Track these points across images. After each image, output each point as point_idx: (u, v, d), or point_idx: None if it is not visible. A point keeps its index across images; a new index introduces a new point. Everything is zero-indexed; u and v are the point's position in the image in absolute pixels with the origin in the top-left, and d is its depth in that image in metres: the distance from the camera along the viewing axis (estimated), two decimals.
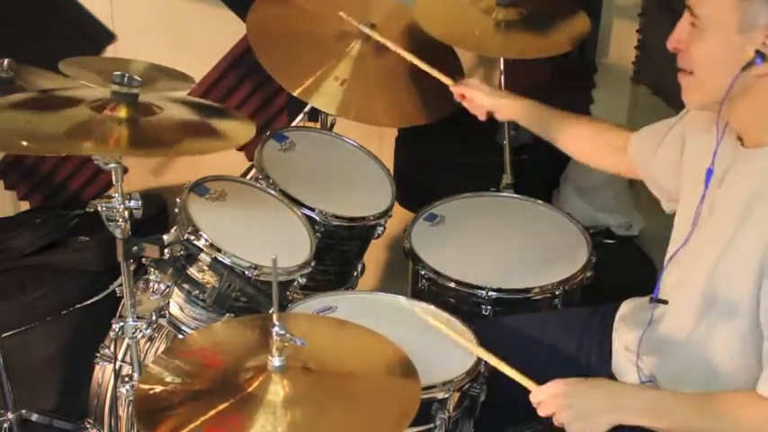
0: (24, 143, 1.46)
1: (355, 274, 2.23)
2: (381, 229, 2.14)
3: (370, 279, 2.74)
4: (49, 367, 2.42)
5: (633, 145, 1.80)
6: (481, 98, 2.00)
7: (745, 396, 1.40)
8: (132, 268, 1.67)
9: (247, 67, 2.79)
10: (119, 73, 1.58)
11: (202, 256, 1.77)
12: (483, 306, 1.94)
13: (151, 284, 1.82)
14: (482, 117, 2.03)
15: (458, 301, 1.96)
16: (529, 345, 1.81)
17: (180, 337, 1.87)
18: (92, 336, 2.06)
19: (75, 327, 2.42)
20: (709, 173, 1.48)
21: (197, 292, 1.83)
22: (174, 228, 1.89)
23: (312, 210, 2.01)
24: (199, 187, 1.94)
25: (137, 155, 1.66)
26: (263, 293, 1.76)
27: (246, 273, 1.79)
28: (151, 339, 1.93)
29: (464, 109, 2.07)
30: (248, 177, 2.13)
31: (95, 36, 2.76)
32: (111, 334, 1.73)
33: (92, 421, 2.05)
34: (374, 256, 2.72)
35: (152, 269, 1.80)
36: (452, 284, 1.97)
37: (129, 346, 1.80)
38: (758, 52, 1.35)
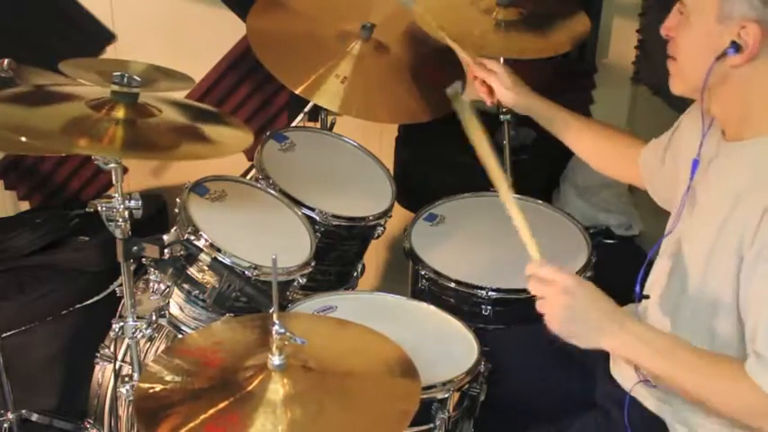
0: (23, 139, 1.45)
1: (355, 274, 2.22)
2: (381, 229, 2.14)
3: (370, 279, 2.74)
4: (49, 367, 2.42)
5: (643, 159, 1.81)
6: (501, 91, 1.96)
7: (739, 369, 1.37)
8: (132, 268, 1.67)
9: (247, 67, 2.79)
10: (119, 73, 1.59)
11: (202, 256, 1.77)
12: (483, 306, 1.94)
13: (151, 284, 1.82)
14: (489, 104, 2.00)
15: (458, 301, 1.96)
16: (528, 349, 1.81)
17: (180, 336, 1.87)
18: (92, 336, 2.06)
19: (75, 327, 2.42)
20: (695, 164, 1.51)
21: (197, 292, 1.83)
22: (174, 228, 1.89)
23: (312, 210, 2.01)
24: (199, 187, 1.94)
25: (129, 156, 1.65)
26: (263, 293, 1.76)
27: (246, 273, 1.79)
28: (151, 339, 1.93)
29: None
30: (248, 177, 2.13)
31: (95, 36, 2.76)
32: (111, 334, 1.73)
33: (92, 421, 2.05)
34: (374, 256, 2.72)
35: (152, 269, 1.80)
36: (452, 284, 1.96)
37: (129, 346, 1.80)
38: (733, 43, 1.38)
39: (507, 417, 1.75)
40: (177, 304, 1.87)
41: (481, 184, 2.35)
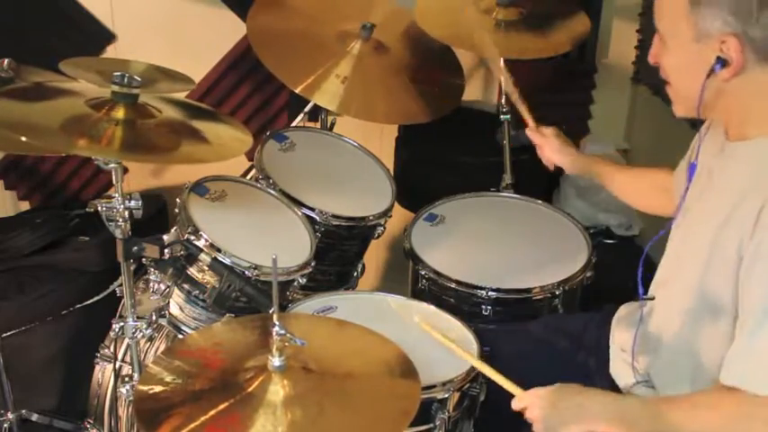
0: (23, 138, 1.45)
1: (355, 274, 2.23)
2: (381, 229, 2.14)
3: (370, 279, 2.74)
4: (49, 367, 2.42)
5: (674, 184, 1.80)
6: (549, 153, 1.99)
7: (714, 394, 1.38)
8: (132, 268, 1.67)
9: (247, 67, 2.79)
10: (119, 73, 1.59)
11: (202, 256, 1.77)
12: (483, 306, 1.94)
13: (151, 284, 1.82)
14: (550, 167, 2.03)
15: (458, 301, 1.96)
16: (528, 351, 1.81)
17: (180, 337, 1.87)
18: (92, 336, 2.06)
19: (75, 327, 2.42)
20: (692, 167, 1.52)
21: (197, 292, 1.83)
22: (174, 228, 1.89)
23: (312, 210, 2.01)
24: (199, 187, 1.94)
25: (128, 158, 1.65)
26: (263, 293, 1.76)
27: (246, 273, 1.79)
28: (151, 339, 1.93)
29: (464, 109, 2.07)
30: (248, 177, 2.13)
31: (95, 36, 2.76)
32: (111, 334, 1.73)
33: (92, 421, 2.05)
34: (374, 256, 2.72)
35: (152, 269, 1.80)
36: (452, 284, 1.97)
37: (129, 346, 1.80)
38: (718, 58, 1.38)
39: (507, 417, 1.75)
40: (177, 304, 1.87)
41: (481, 184, 2.37)
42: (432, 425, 1.60)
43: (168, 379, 1.37)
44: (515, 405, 1.50)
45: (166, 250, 1.68)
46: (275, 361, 1.31)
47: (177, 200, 1.89)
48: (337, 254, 2.10)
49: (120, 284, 1.70)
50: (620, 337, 1.71)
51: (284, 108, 2.86)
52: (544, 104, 2.84)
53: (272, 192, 2.03)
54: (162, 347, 1.94)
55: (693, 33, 1.39)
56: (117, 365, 1.92)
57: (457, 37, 2.33)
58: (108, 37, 2.77)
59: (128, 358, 1.86)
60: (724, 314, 1.42)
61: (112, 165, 1.58)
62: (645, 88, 2.76)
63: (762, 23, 1.34)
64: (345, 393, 1.36)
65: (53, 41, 2.68)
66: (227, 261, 1.78)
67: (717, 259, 1.43)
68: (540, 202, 2.30)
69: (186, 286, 1.84)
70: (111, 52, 2.78)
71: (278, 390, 1.30)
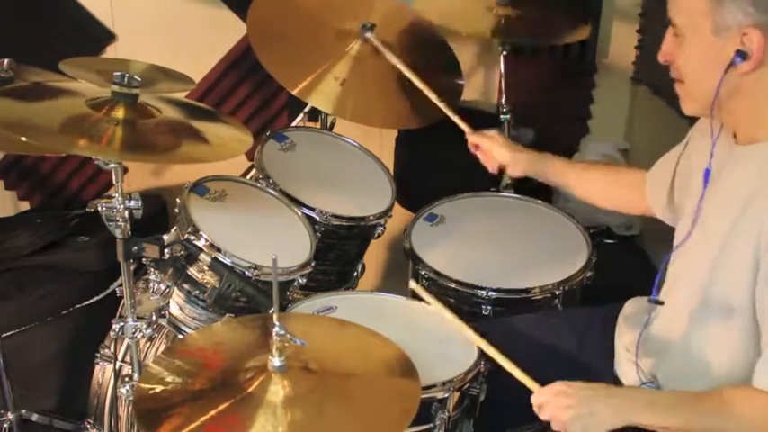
0: (23, 138, 1.45)
1: (355, 274, 2.22)
2: (381, 229, 2.14)
3: (370, 279, 2.74)
4: (49, 367, 2.42)
5: (649, 185, 1.80)
6: (497, 150, 1.98)
7: (745, 391, 1.39)
8: (132, 268, 1.67)
9: (247, 67, 2.79)
10: (119, 73, 1.59)
11: (202, 256, 1.77)
12: (483, 306, 1.94)
13: (151, 284, 1.82)
14: (492, 170, 2.02)
15: (458, 301, 1.96)
16: (529, 345, 1.80)
17: (180, 337, 1.87)
18: (92, 336, 2.06)
19: (75, 327, 2.42)
20: (707, 173, 1.50)
21: (197, 292, 1.83)
22: (174, 228, 1.89)
23: (312, 210, 2.01)
24: (199, 187, 1.94)
25: (128, 159, 1.65)
26: (263, 293, 1.76)
27: (246, 273, 1.79)
28: (151, 339, 1.93)
29: (464, 109, 2.07)
30: (248, 177, 2.13)
31: (95, 36, 2.76)
32: (111, 334, 1.73)
33: (92, 421, 2.05)
34: (374, 256, 2.72)
35: (152, 269, 1.80)
36: (452, 284, 1.97)
37: (129, 346, 1.80)
38: (738, 51, 1.37)
39: (507, 416, 1.75)
40: (177, 304, 1.87)
41: (481, 184, 2.37)
42: (432, 424, 1.60)
43: (168, 379, 1.37)
44: (535, 399, 1.49)
45: (166, 250, 1.67)
46: (275, 361, 1.31)
47: (177, 200, 1.89)
48: (337, 254, 2.10)
49: (120, 284, 1.70)
50: (624, 335, 1.70)
51: (284, 108, 2.86)
52: (544, 104, 2.86)
53: (272, 192, 2.03)
54: (162, 347, 1.94)
55: (713, 27, 1.38)
56: (117, 365, 1.92)
57: (452, 18, 2.33)
58: (108, 37, 2.78)
59: (128, 358, 1.86)
60: (735, 315, 1.42)
61: (112, 165, 1.58)
62: (645, 88, 2.75)
63: None
64: (345, 393, 1.36)
65: (53, 41, 2.68)
66: (227, 261, 1.78)
67: (727, 262, 1.43)
68: (540, 202, 2.29)
69: (186, 286, 1.84)
70: (111, 52, 2.79)
71: (278, 390, 1.30)
